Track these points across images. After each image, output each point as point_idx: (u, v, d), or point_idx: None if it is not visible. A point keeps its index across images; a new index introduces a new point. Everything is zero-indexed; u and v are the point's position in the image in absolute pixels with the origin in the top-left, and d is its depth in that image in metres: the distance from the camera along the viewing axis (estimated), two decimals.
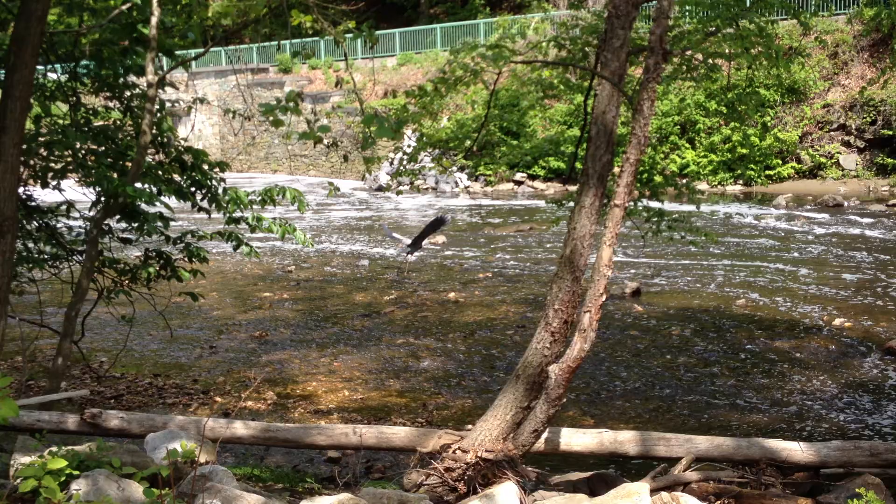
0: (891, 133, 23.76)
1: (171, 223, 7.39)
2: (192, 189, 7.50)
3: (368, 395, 7.95)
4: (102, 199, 6.88)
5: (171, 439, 5.08)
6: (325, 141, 4.91)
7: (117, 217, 7.11)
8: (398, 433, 5.58)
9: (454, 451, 5.18)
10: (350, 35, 6.18)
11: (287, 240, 7.46)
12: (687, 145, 26.43)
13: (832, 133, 25.20)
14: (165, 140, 7.47)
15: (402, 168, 7.00)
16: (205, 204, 7.53)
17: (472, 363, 8.94)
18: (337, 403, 7.71)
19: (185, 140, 8.05)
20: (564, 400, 4.98)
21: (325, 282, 13.49)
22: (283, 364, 8.93)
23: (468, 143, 17.57)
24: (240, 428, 5.62)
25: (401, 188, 7.02)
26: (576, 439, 5.48)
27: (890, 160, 23.71)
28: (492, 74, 6.06)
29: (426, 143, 6.75)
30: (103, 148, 7.27)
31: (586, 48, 6.71)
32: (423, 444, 5.34)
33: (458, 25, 35.21)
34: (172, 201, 7.46)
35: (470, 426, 5.80)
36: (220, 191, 7.44)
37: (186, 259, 7.75)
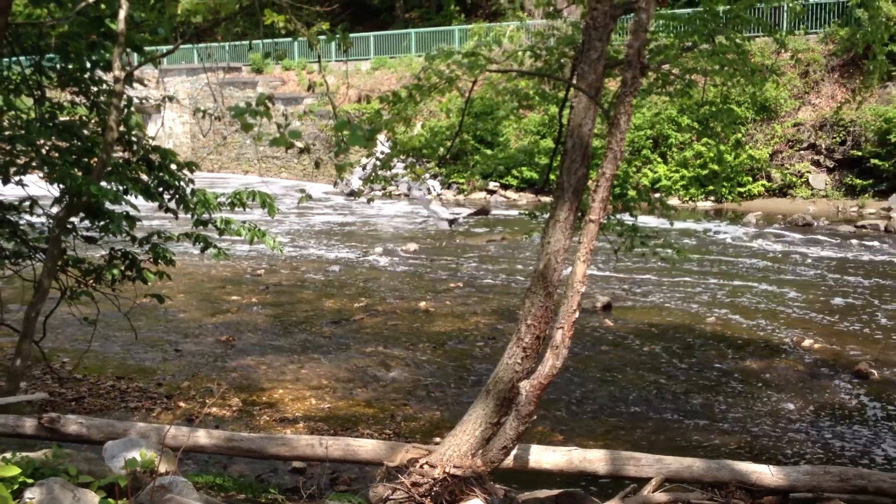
0: (860, 154, 24.01)
1: (138, 223, 7.23)
2: (160, 189, 7.34)
3: (336, 404, 7.83)
4: (66, 196, 6.71)
5: (131, 448, 4.92)
6: (298, 144, 4.80)
7: (81, 215, 6.94)
8: (365, 446, 5.47)
9: (422, 466, 5.07)
10: (323, 37, 6.07)
11: (257, 243, 7.31)
12: (659, 160, 26.54)
13: (802, 152, 25.43)
14: (133, 138, 7.31)
15: (374, 174, 6.90)
16: (172, 205, 7.37)
17: (442, 374, 8.84)
18: (304, 412, 7.57)
19: (154, 138, 7.90)
20: (535, 417, 4.89)
21: (295, 287, 13.33)
22: (250, 370, 8.77)
23: (442, 150, 17.48)
24: (202, 437, 5.48)
25: (373, 194, 6.92)
26: (545, 457, 5.40)
27: (859, 181, 23.95)
28: (467, 82, 5.98)
29: (399, 149, 6.65)
30: (68, 144, 7.09)
31: (562, 59, 6.66)
32: (390, 458, 5.22)
33: (433, 31, 35.15)
34: (140, 201, 7.30)
35: (438, 439, 5.71)
36: (188, 192, 7.29)
37: (152, 260, 7.59)
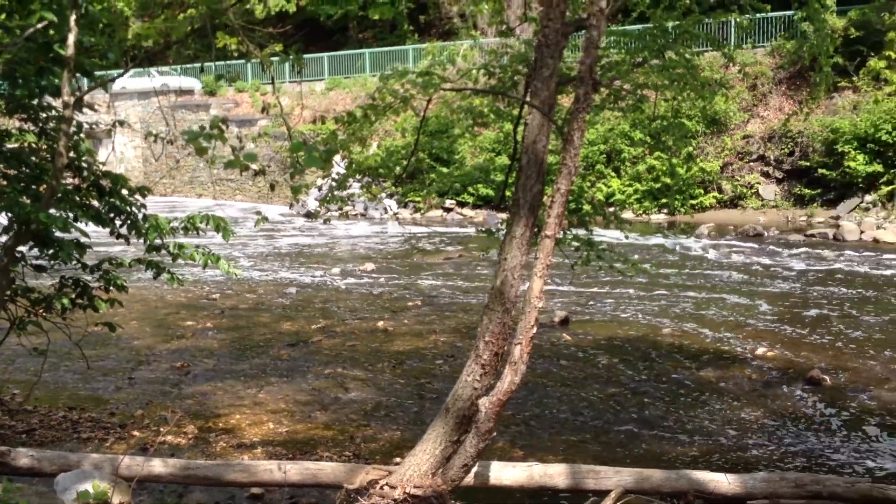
0: (808, 164, 24.51)
1: (90, 250, 7.10)
2: (111, 215, 7.23)
3: (294, 427, 7.74)
4: (14, 225, 6.57)
5: (84, 479, 4.82)
6: (254, 167, 4.76)
7: (30, 244, 6.80)
8: (324, 469, 5.42)
9: (382, 487, 5.04)
10: (276, 59, 6.05)
11: (213, 267, 7.23)
12: (613, 174, 26.83)
13: (752, 164, 25.90)
14: (83, 163, 7.20)
15: (330, 195, 6.87)
16: (124, 230, 7.26)
17: (402, 394, 8.80)
18: (261, 437, 7.47)
19: (105, 163, 7.78)
20: (495, 433, 4.90)
21: (251, 310, 13.20)
22: (206, 396, 8.65)
23: (398, 170, 17.50)
24: (157, 466, 5.39)
25: (329, 215, 6.90)
26: (506, 473, 5.39)
27: (807, 191, 24.43)
28: (421, 101, 5.99)
29: (355, 170, 6.63)
30: (16, 171, 6.96)
31: (516, 77, 6.71)
32: (350, 480, 5.19)
33: (387, 51, 35.24)
34: (91, 227, 7.17)
35: (399, 459, 5.68)
36: (140, 217, 7.18)
37: (104, 288, 7.45)
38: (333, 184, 6.48)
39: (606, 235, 7.76)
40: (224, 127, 4.68)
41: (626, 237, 8.77)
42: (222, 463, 5.65)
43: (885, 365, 9.55)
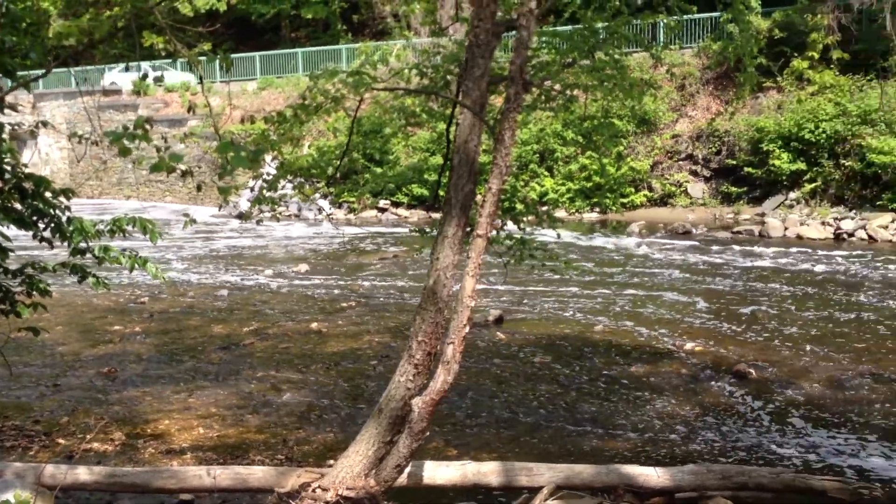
0: (735, 163, 25.08)
1: (12, 254, 6.89)
2: (34, 218, 7.02)
3: (225, 432, 7.63)
4: None
5: (4, 489, 4.68)
6: (182, 167, 4.67)
7: None
8: (255, 473, 5.35)
9: (314, 490, 5.00)
10: (204, 58, 5.94)
11: (143, 271, 7.06)
12: (546, 173, 27.09)
13: (681, 162, 26.42)
14: (5, 165, 6.97)
15: (261, 196, 6.78)
16: (48, 234, 7.05)
17: (335, 395, 8.74)
18: (191, 442, 7.35)
19: (27, 165, 7.55)
20: (428, 433, 4.89)
21: (182, 313, 12.97)
22: (134, 402, 8.47)
23: (330, 170, 17.36)
24: (82, 473, 5.25)
25: (262, 216, 6.79)
26: (439, 472, 5.39)
27: (734, 189, 25.00)
28: (353, 101, 5.96)
29: (286, 170, 6.56)
30: None
31: (448, 76, 6.72)
32: (281, 484, 5.13)
33: (321, 50, 35.01)
34: (13, 231, 6.96)
35: (332, 461, 5.63)
36: (64, 220, 6.99)
37: (27, 292, 7.23)
38: (264, 185, 6.40)
39: (542, 234, 7.80)
40: (149, 127, 4.58)
41: (559, 236, 8.86)
42: (150, 469, 5.54)
43: (808, 358, 9.82)
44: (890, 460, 6.82)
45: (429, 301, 5.01)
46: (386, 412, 5.02)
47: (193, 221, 6.26)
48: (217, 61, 5.97)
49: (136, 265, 6.62)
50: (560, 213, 25.33)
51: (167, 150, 4.56)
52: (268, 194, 6.67)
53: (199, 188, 5.73)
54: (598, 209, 26.42)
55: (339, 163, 8.81)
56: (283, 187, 7.13)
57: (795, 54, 25.27)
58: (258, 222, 7.47)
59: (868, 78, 23.86)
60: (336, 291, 14.70)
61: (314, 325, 11.85)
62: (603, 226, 24.48)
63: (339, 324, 11.96)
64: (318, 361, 9.96)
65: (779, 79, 25.44)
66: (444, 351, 4.76)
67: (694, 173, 26.23)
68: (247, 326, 11.89)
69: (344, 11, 37.59)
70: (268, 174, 6.61)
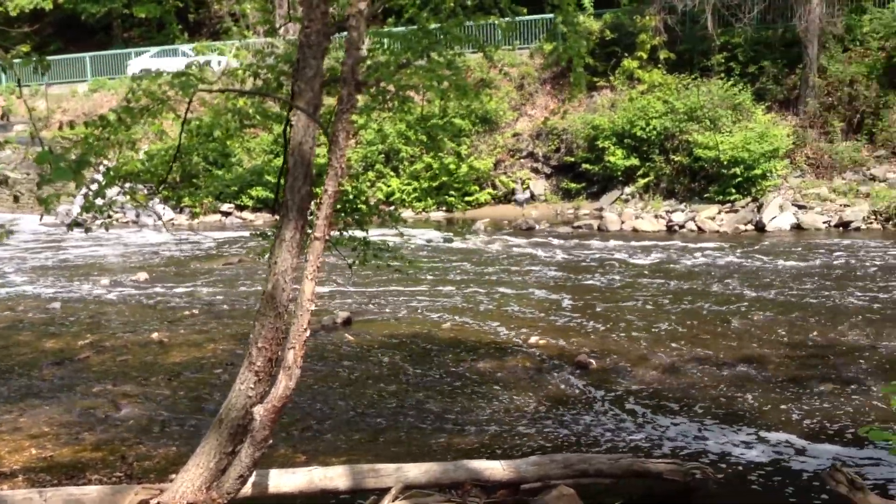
0: (573, 160, 25.95)
1: None
2: None
3: (60, 451, 7.24)
4: None
5: None
6: (8, 174, 4.38)
7: None
8: (89, 493, 5.10)
9: None
10: (19, 60, 5.60)
11: None
12: (392, 173, 27.17)
13: (522, 160, 27.10)
14: None
15: (88, 203, 6.47)
16: None
17: (178, 407, 8.45)
18: (22, 464, 6.93)
19: None
20: (271, 441, 4.81)
21: (9, 328, 12.20)
22: None
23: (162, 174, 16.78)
24: None
25: (94, 224, 6.45)
26: (285, 480, 5.31)
27: (573, 185, 25.87)
28: (183, 103, 5.77)
29: (113, 176, 6.28)
30: None
31: (282, 77, 6.62)
32: (117, 503, 4.91)
33: (156, 50, 33.79)
34: None
35: (174, 476, 5.44)
36: None
37: None
38: (89, 192, 6.11)
39: (388, 235, 7.83)
40: None
41: (403, 235, 8.90)
42: None
43: (644, 346, 10.28)
44: (722, 441, 7.23)
45: (268, 306, 4.93)
46: (226, 422, 4.89)
47: (10, 233, 5.89)
48: (31, 64, 5.64)
49: None
50: (407, 213, 25.47)
51: None
52: (96, 201, 6.38)
53: (16, 199, 5.42)
54: (444, 208, 26.73)
55: (169, 167, 8.51)
56: (117, 194, 6.84)
57: (626, 54, 26.41)
58: (87, 231, 7.12)
59: (693, 76, 25.21)
60: (178, 300, 14.22)
61: (154, 335, 11.42)
62: (450, 224, 24.79)
63: (181, 333, 11.58)
64: (158, 373, 9.60)
65: (611, 78, 26.50)
66: (284, 356, 4.69)
67: (535, 171, 26.96)
68: (81, 340, 11.32)
69: (179, 10, 36.43)
70: (93, 180, 6.31)
